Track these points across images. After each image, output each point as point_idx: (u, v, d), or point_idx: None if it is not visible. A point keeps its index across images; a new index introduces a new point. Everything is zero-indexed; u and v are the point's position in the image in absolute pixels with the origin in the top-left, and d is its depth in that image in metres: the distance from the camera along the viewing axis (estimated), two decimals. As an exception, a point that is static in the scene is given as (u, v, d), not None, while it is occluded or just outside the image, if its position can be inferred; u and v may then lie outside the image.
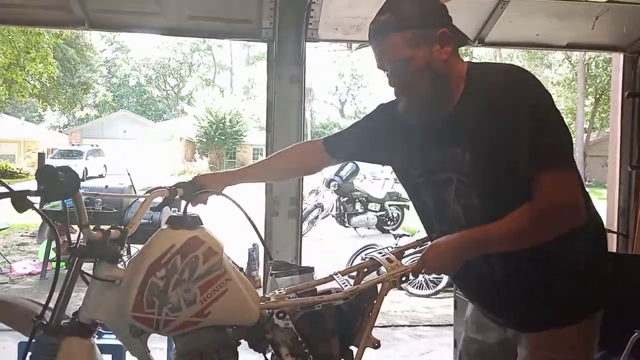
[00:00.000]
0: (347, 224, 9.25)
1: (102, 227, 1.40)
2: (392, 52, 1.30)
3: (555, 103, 1.29)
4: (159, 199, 1.61)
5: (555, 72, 23.88)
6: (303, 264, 2.20)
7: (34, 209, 1.21)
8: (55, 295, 1.36)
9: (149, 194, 1.57)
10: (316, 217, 9.01)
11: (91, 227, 1.34)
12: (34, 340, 1.33)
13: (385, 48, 1.31)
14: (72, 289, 1.37)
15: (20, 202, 1.17)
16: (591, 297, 1.36)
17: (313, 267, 1.68)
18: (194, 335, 1.35)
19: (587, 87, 21.50)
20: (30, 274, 6.03)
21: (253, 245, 5.97)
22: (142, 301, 1.30)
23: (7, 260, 6.51)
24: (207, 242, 1.36)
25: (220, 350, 1.36)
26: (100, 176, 20.82)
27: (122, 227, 1.45)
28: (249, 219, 1.49)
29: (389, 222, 9.52)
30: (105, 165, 22.35)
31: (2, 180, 1.27)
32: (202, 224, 1.42)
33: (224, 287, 1.34)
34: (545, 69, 23.67)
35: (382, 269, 1.53)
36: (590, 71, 21.48)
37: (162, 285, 1.31)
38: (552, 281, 1.31)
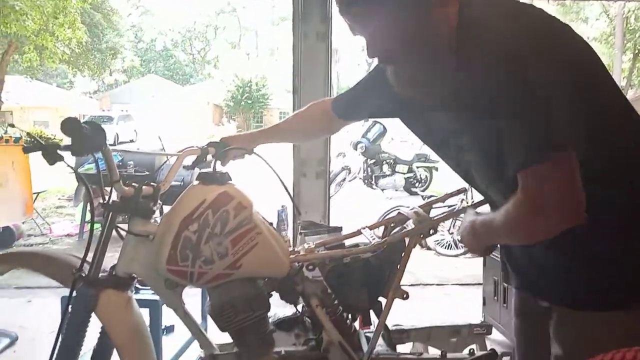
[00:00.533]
0: (374, 186, 9.24)
1: (133, 183, 1.44)
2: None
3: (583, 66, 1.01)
4: (189, 159, 1.64)
5: (592, 27, 22.91)
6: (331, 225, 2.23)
7: (64, 162, 1.24)
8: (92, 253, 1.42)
9: (181, 153, 1.61)
10: (343, 180, 9.02)
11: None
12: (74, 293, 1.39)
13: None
14: (107, 243, 1.42)
15: (51, 155, 1.21)
16: None
17: (341, 227, 1.71)
18: (226, 287, 1.39)
19: (625, 42, 20.61)
20: (69, 235, 6.26)
21: (282, 207, 6.03)
22: (175, 254, 1.35)
23: (46, 222, 6.77)
24: (236, 197, 1.39)
25: (252, 301, 1.40)
26: (131, 141, 21.13)
27: (155, 184, 1.50)
28: (277, 176, 1.52)
29: (417, 184, 9.47)
30: (135, 130, 22.67)
31: (32, 134, 1.32)
32: (231, 180, 1.45)
33: (255, 240, 1.38)
34: (582, 23, 22.72)
35: (410, 223, 1.54)
36: (629, 25, 20.52)
37: (194, 239, 1.34)
38: (592, 256, 1.06)
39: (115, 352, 1.42)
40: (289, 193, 1.66)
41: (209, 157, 1.63)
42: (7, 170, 5.45)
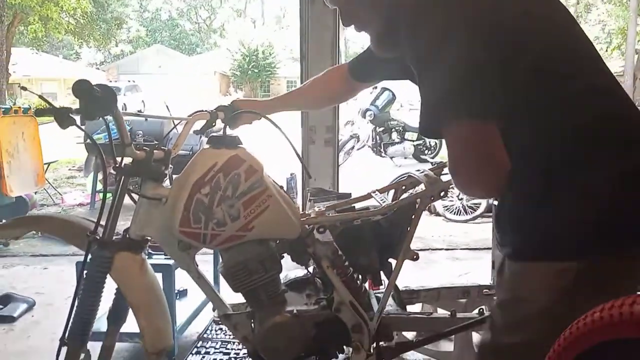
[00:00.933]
0: (383, 154, 9.20)
1: (145, 147, 1.45)
2: None
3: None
4: (199, 124, 1.64)
5: (606, -11, 22.30)
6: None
7: (76, 125, 1.24)
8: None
9: (190, 117, 1.61)
10: (352, 148, 8.99)
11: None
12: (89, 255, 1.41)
13: None
14: (120, 207, 1.43)
15: (62, 118, 1.20)
16: (587, 232, 0.94)
17: (350, 194, 1.71)
18: (239, 249, 1.41)
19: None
20: (81, 205, 6.34)
21: (291, 175, 6.05)
22: (188, 217, 1.36)
23: (58, 192, 6.84)
24: (247, 160, 1.39)
25: (264, 262, 1.42)
26: (139, 112, 21.10)
27: (165, 148, 1.50)
28: (287, 139, 1.51)
29: (426, 152, 9.41)
30: (143, 101, 22.63)
31: (44, 97, 1.32)
32: (241, 144, 1.45)
33: (266, 203, 1.38)
34: (596, -15, 22.12)
35: (420, 186, 1.54)
36: (645, -14, 19.95)
37: (207, 202, 1.36)
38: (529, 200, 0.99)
39: (130, 312, 1.45)
40: (299, 156, 1.66)
41: (219, 122, 1.63)
42: (18, 141, 5.49)
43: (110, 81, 25.71)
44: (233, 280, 1.43)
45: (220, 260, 1.49)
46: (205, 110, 1.62)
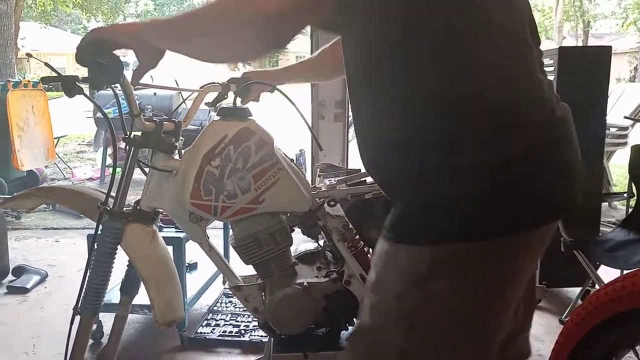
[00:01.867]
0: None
1: (155, 118, 1.43)
2: None
3: None
4: (210, 97, 1.62)
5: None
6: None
7: (84, 94, 1.22)
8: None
9: (202, 89, 1.59)
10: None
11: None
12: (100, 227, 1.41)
13: None
14: (130, 178, 1.42)
15: (69, 86, 1.18)
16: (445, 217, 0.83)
17: (360, 169, 1.69)
18: (250, 221, 1.41)
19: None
20: (91, 179, 6.38)
21: (300, 151, 6.04)
22: (199, 189, 1.35)
23: (68, 167, 6.89)
24: (257, 133, 1.38)
25: (275, 234, 1.42)
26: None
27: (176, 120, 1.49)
28: (297, 110, 1.49)
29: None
30: (151, 76, 22.45)
31: (51, 65, 1.30)
32: (252, 116, 1.44)
33: (277, 176, 1.38)
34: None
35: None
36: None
37: (217, 174, 1.35)
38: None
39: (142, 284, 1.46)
40: (309, 127, 1.64)
41: (230, 95, 1.60)
42: (28, 115, 5.51)
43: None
44: (244, 253, 1.43)
45: (231, 232, 1.49)
46: (217, 83, 1.60)
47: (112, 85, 1.25)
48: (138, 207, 1.44)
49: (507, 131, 0.81)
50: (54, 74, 1.22)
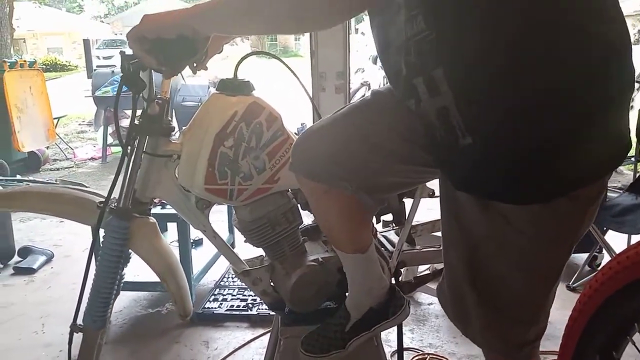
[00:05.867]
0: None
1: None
2: None
3: None
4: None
5: None
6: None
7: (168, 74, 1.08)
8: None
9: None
10: (362, 97, 8.82)
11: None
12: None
13: None
14: (137, 170, 1.28)
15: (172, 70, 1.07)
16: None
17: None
18: (261, 202, 1.35)
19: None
20: (92, 159, 6.36)
21: (301, 125, 6.00)
22: (213, 173, 1.27)
23: (69, 147, 6.86)
24: (266, 107, 1.32)
25: (287, 213, 1.39)
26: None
27: (158, 96, 1.28)
28: (299, 81, 1.45)
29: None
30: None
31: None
32: (255, 89, 1.36)
33: (289, 152, 1.33)
34: None
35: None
36: None
37: (232, 155, 1.27)
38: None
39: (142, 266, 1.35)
40: (311, 99, 1.60)
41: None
42: (26, 95, 5.47)
43: (116, 34, 25.37)
44: (256, 235, 1.38)
45: (236, 216, 1.42)
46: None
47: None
48: (138, 200, 1.30)
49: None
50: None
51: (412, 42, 0.85)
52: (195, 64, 1.17)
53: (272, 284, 1.46)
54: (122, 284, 1.36)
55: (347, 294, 1.33)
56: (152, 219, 1.34)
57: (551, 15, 0.78)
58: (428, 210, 1.63)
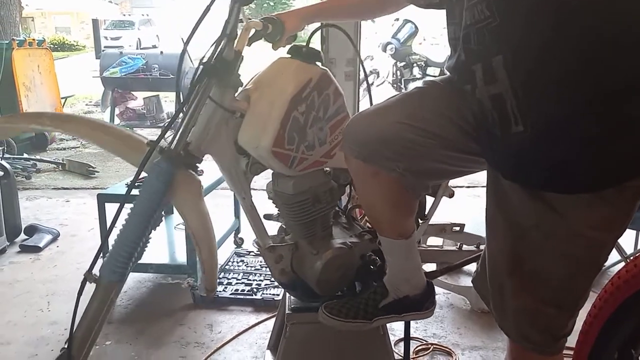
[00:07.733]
0: (403, 90, 8.97)
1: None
2: None
3: None
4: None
5: None
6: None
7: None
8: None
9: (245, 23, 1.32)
10: (371, 84, 8.80)
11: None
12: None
13: None
14: (197, 116, 1.20)
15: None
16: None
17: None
18: (306, 177, 1.34)
19: None
20: (100, 140, 6.35)
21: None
22: (283, 136, 1.24)
23: (76, 127, 6.86)
24: (334, 81, 1.31)
25: (328, 191, 1.37)
26: (154, 47, 20.65)
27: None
28: (359, 58, 1.46)
29: (447, 88, 9.18)
30: (157, 36, 22.23)
31: None
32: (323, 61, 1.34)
33: None
34: None
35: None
36: None
37: (302, 121, 1.26)
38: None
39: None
40: (367, 83, 1.69)
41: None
42: (34, 74, 5.46)
43: (124, 15, 25.25)
44: (297, 209, 1.35)
45: (274, 188, 1.37)
46: (259, 20, 1.32)
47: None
48: (190, 153, 1.21)
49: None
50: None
51: (474, 29, 0.90)
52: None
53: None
54: (146, 248, 1.22)
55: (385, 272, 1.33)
56: (199, 178, 1.24)
57: (627, 4, 0.81)
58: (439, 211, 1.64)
